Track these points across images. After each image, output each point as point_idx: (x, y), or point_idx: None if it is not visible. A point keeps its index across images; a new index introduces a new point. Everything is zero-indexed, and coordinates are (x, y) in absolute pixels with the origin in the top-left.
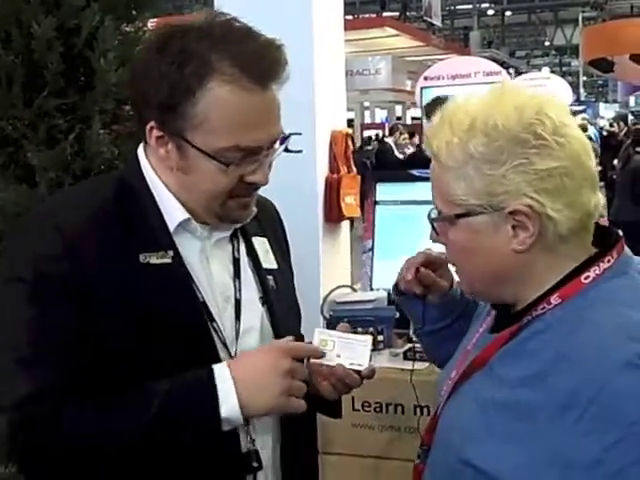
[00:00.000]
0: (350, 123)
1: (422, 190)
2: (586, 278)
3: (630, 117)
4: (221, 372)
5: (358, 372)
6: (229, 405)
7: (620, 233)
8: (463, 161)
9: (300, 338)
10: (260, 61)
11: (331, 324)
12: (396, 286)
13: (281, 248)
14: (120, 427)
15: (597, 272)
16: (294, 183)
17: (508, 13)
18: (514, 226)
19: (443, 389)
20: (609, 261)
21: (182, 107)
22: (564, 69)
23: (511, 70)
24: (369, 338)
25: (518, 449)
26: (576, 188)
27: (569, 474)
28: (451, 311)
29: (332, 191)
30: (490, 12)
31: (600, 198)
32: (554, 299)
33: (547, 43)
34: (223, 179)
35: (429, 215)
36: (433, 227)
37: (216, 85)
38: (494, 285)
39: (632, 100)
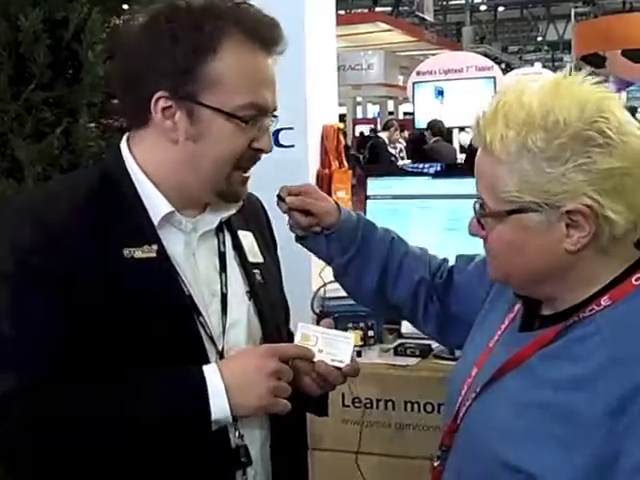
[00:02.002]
0: (342, 118)
1: (413, 185)
2: (637, 280)
3: None
4: (211, 375)
5: (339, 369)
6: (219, 408)
7: None
8: (518, 155)
9: (289, 335)
10: (264, 26)
11: (321, 319)
12: (295, 233)
13: (266, 242)
14: (108, 427)
15: None
16: (285, 178)
17: (501, 8)
18: (568, 225)
19: (463, 388)
20: None
21: (198, 69)
22: (556, 64)
23: (503, 65)
24: (352, 335)
25: (560, 452)
26: (635, 189)
27: (611, 478)
28: (354, 238)
29: (323, 186)
30: (482, 7)
31: None
32: (604, 301)
33: (539, 38)
34: (238, 140)
35: (474, 208)
36: (479, 221)
37: (233, 44)
38: (535, 282)
39: (624, 95)
